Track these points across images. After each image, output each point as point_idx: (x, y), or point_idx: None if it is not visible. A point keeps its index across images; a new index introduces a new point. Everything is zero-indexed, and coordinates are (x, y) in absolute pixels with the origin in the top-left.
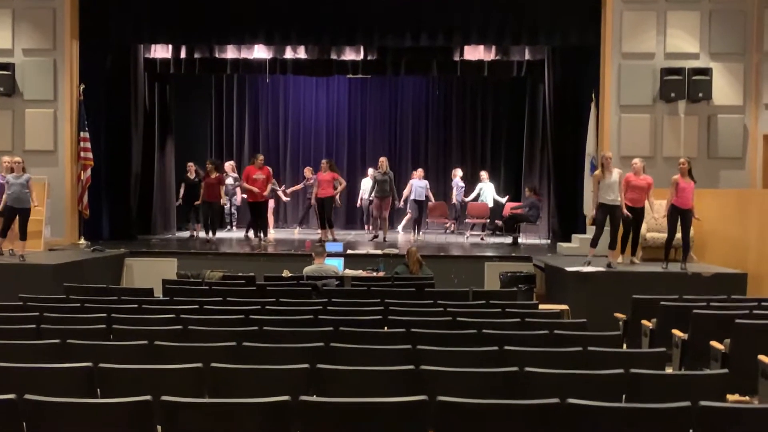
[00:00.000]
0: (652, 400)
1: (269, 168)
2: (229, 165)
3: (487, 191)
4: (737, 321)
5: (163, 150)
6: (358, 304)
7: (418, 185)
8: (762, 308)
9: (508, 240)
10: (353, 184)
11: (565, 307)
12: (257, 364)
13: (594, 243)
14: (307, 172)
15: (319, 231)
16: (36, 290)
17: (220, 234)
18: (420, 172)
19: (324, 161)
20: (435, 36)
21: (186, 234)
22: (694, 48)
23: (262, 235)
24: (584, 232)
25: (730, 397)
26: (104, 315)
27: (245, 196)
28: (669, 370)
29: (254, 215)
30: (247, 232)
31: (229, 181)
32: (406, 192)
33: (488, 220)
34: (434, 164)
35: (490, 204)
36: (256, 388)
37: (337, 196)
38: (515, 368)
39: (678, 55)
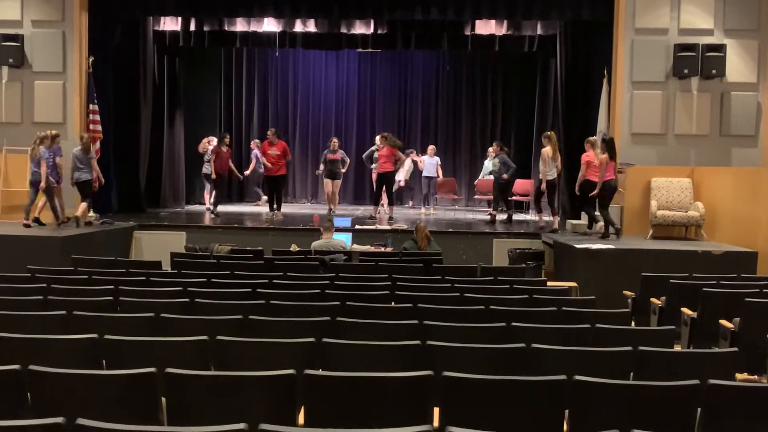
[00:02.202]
0: (660, 377)
1: (284, 143)
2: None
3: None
4: (747, 299)
5: (172, 123)
6: (366, 279)
7: (429, 162)
8: None
9: (519, 216)
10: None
11: (573, 284)
12: (263, 338)
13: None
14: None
15: (374, 207)
16: (45, 262)
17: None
18: (432, 148)
19: (379, 136)
20: (445, 10)
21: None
22: (708, 24)
23: (276, 208)
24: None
25: (738, 375)
26: (111, 287)
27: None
28: (677, 348)
29: (270, 189)
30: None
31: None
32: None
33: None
34: (443, 139)
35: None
36: (262, 362)
37: (404, 176)
38: (522, 345)
39: (692, 31)
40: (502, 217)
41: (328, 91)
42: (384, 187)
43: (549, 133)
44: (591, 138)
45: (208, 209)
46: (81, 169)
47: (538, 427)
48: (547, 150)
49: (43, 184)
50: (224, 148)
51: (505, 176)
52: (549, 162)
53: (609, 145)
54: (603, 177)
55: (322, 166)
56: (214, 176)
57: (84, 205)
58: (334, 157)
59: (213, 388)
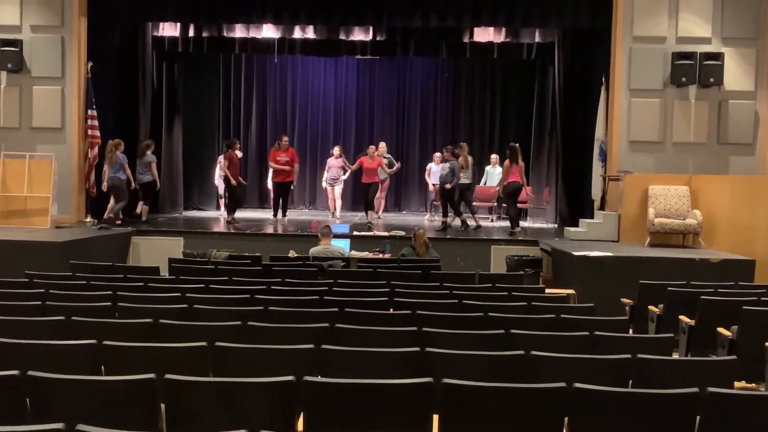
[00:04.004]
0: (659, 385)
1: (293, 149)
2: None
3: (493, 175)
4: (745, 308)
5: (170, 129)
6: (364, 285)
7: (435, 169)
8: None
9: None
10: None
11: (571, 291)
12: (262, 344)
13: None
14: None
15: (367, 215)
16: (42, 267)
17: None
18: (439, 156)
19: (372, 147)
20: (445, 17)
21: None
22: (706, 32)
23: (281, 215)
24: (592, 217)
25: (736, 384)
26: (110, 293)
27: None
28: (675, 356)
29: (278, 195)
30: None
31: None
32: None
33: (495, 204)
34: (442, 146)
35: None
36: (261, 368)
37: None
38: (521, 352)
39: (689, 40)
40: (455, 223)
41: (326, 97)
42: (368, 195)
43: (462, 144)
44: (511, 144)
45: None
46: (143, 172)
47: None
48: (460, 160)
49: (134, 185)
50: (238, 153)
51: (448, 186)
52: (464, 169)
53: (512, 152)
54: (506, 179)
55: (326, 174)
56: (234, 182)
57: (145, 205)
58: (336, 164)
59: (212, 394)
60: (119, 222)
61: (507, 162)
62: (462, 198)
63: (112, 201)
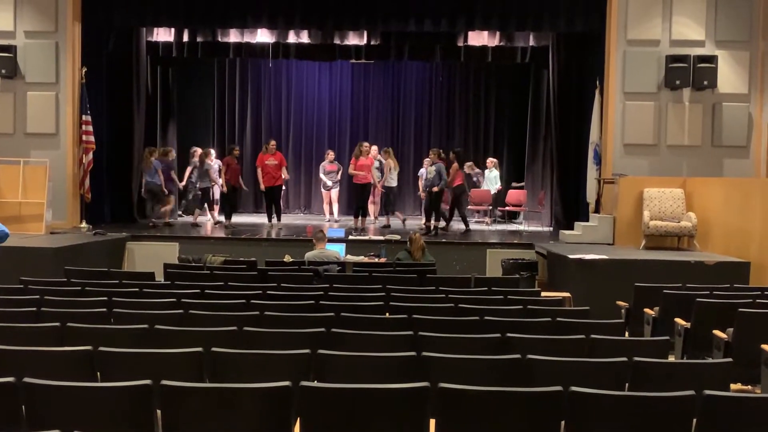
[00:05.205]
0: (655, 388)
1: (281, 154)
2: (212, 152)
3: (489, 178)
4: (740, 310)
5: (165, 134)
6: (360, 290)
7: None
8: (765, 297)
9: (512, 226)
10: None
11: (567, 294)
12: (258, 349)
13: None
14: (330, 155)
15: (362, 219)
16: (37, 273)
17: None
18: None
19: (366, 145)
20: (439, 21)
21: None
22: (700, 35)
23: (275, 219)
24: (587, 220)
25: (732, 386)
26: (105, 298)
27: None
28: (671, 359)
29: (268, 200)
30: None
31: (215, 167)
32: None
33: (490, 207)
34: None
35: (492, 191)
36: (257, 373)
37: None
38: (518, 356)
39: (683, 43)
40: (441, 224)
41: (321, 101)
42: (361, 200)
43: (388, 148)
44: (458, 149)
45: (218, 223)
46: (202, 179)
47: None
48: (388, 162)
49: (164, 188)
50: (235, 160)
51: (435, 188)
52: (391, 171)
53: (458, 157)
54: (453, 183)
55: (325, 179)
56: (224, 189)
57: (206, 212)
58: (332, 168)
59: (208, 400)
60: (170, 223)
61: (455, 166)
62: (386, 199)
63: (150, 205)
